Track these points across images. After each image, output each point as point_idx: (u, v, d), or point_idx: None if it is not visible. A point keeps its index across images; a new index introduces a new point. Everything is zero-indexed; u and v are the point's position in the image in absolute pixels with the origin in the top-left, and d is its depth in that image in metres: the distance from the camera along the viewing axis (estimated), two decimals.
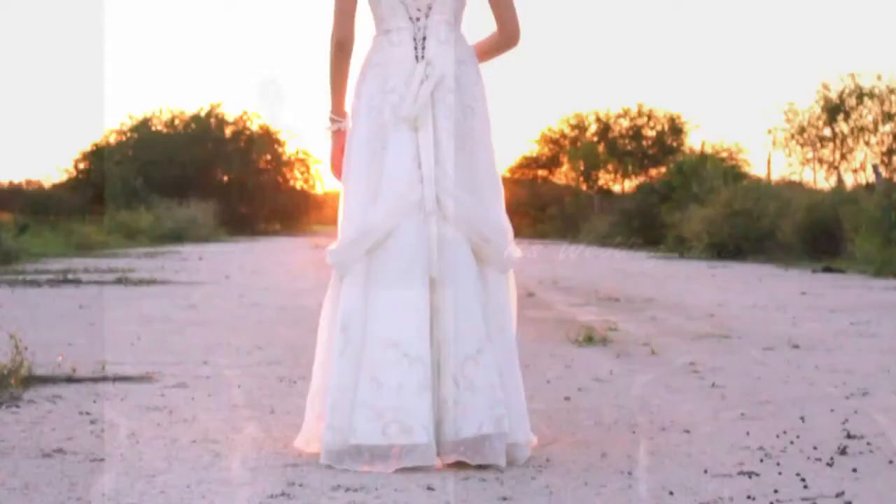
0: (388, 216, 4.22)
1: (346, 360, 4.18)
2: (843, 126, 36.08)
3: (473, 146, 4.33)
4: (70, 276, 15.29)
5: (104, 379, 6.39)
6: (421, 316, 4.17)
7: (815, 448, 4.68)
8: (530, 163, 60.17)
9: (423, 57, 4.30)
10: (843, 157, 36.34)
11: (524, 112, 78.49)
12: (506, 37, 4.48)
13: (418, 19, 4.31)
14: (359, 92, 4.39)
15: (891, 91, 35.44)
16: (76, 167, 46.08)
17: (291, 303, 11.74)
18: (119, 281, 14.86)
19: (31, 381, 6.12)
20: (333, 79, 4.44)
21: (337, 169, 4.50)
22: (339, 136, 4.51)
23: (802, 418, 5.35)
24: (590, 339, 8.51)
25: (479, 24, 4.58)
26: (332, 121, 4.52)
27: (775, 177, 34.76)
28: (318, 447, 4.28)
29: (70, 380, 6.30)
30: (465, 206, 4.27)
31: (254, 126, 50.89)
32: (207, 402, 5.71)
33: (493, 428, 4.12)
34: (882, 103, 35.55)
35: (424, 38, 4.31)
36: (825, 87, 36.16)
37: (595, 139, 57.40)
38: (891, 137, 35.66)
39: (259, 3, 74.05)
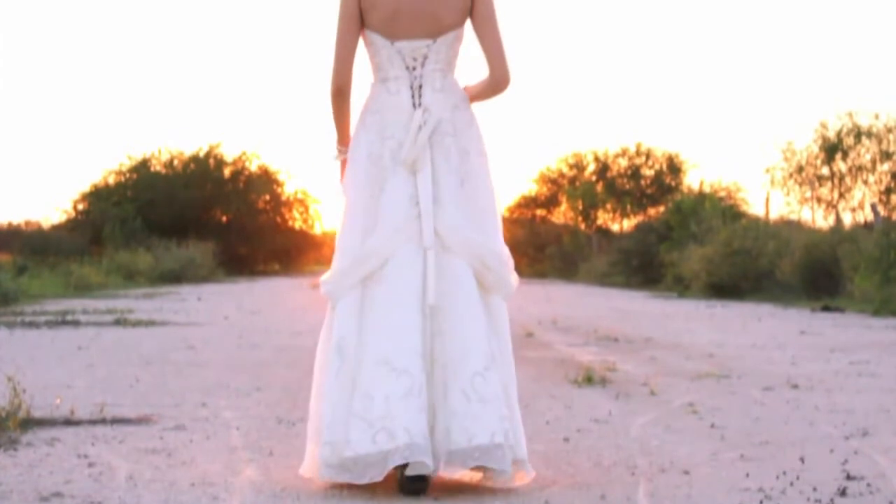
0: (383, 247, 4.43)
1: (341, 379, 4.36)
2: (841, 165, 36.17)
3: (473, 184, 4.55)
4: (69, 318, 15.28)
5: (102, 421, 6.38)
6: (411, 335, 4.34)
7: (814, 489, 4.67)
8: (529, 202, 60.27)
9: (419, 104, 4.52)
10: (841, 195, 36.41)
11: (523, 151, 78.65)
12: (496, 82, 4.64)
13: (414, 68, 4.53)
14: (358, 138, 4.59)
15: (888, 130, 35.55)
16: (75, 208, 46.08)
17: (290, 343, 11.73)
18: (118, 322, 14.85)
19: (30, 423, 6.11)
20: (335, 119, 4.69)
21: None
22: (346, 164, 4.71)
23: (802, 459, 5.34)
24: (589, 380, 8.50)
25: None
26: (339, 151, 4.72)
27: (774, 216, 34.81)
28: (315, 468, 4.47)
29: (68, 422, 6.29)
30: (467, 236, 4.47)
31: (253, 166, 50.95)
32: (206, 445, 5.70)
33: (503, 438, 4.30)
34: (880, 142, 35.65)
35: (420, 87, 4.53)
36: (823, 126, 36.29)
37: (594, 178, 57.53)
38: (889, 176, 35.74)
39: (257, 44, 74.33)
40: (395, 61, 4.53)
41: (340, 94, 4.60)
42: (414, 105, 4.52)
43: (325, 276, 4.54)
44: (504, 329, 4.58)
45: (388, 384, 4.26)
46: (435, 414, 4.36)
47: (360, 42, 4.63)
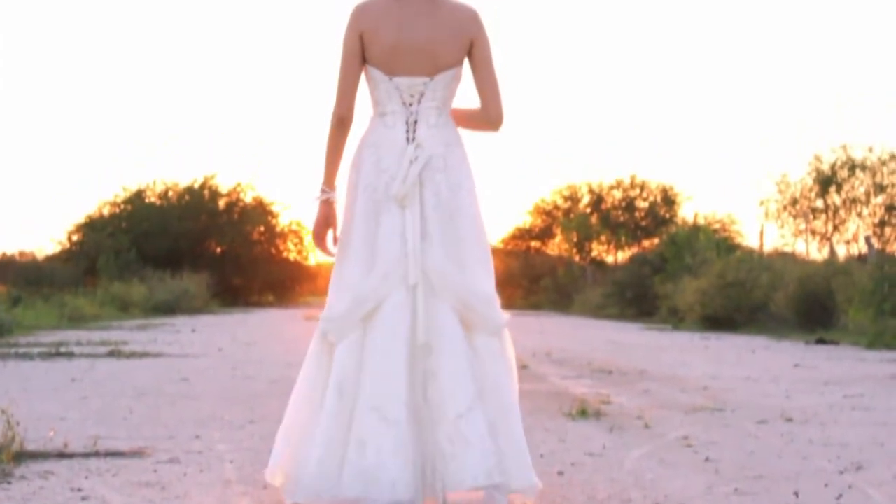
0: (377, 290, 4.51)
1: (338, 421, 4.46)
2: (835, 197, 36.27)
3: (461, 221, 4.63)
4: (62, 349, 15.25)
5: (96, 454, 6.36)
6: (400, 381, 4.43)
7: None
8: (523, 234, 60.37)
9: (413, 139, 4.63)
10: (835, 228, 36.49)
11: (517, 183, 78.73)
12: (489, 122, 4.78)
13: (411, 104, 4.65)
14: (357, 169, 4.70)
15: (882, 163, 35.67)
16: (69, 239, 46.10)
17: (284, 375, 11.71)
18: (112, 353, 14.83)
19: (23, 456, 6.09)
20: (329, 152, 4.73)
21: (319, 238, 4.79)
22: (325, 206, 4.77)
23: (796, 493, 5.34)
24: (583, 413, 8.49)
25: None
26: (322, 191, 4.76)
27: (768, 248, 34.86)
28: (284, 481, 4.63)
29: (62, 455, 6.28)
30: (450, 277, 4.55)
31: (247, 198, 51.01)
32: (200, 478, 5.68)
33: (485, 480, 4.38)
34: (874, 175, 35.76)
35: (416, 122, 4.65)
36: (817, 158, 36.43)
37: (588, 210, 57.64)
38: (883, 209, 35.83)
39: (252, 76, 74.45)
40: (392, 96, 4.65)
41: (342, 124, 4.69)
42: (408, 140, 4.63)
43: (325, 315, 4.61)
44: (497, 364, 4.62)
45: (379, 434, 4.38)
46: (424, 456, 4.46)
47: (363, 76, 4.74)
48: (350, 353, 4.52)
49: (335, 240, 4.77)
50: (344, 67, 4.66)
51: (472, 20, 4.66)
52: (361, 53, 4.65)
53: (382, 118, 4.68)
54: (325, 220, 4.76)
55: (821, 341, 19.70)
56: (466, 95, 4.79)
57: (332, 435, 4.45)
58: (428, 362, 4.50)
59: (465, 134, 4.84)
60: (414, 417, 4.45)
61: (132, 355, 14.66)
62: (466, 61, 4.72)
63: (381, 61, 4.63)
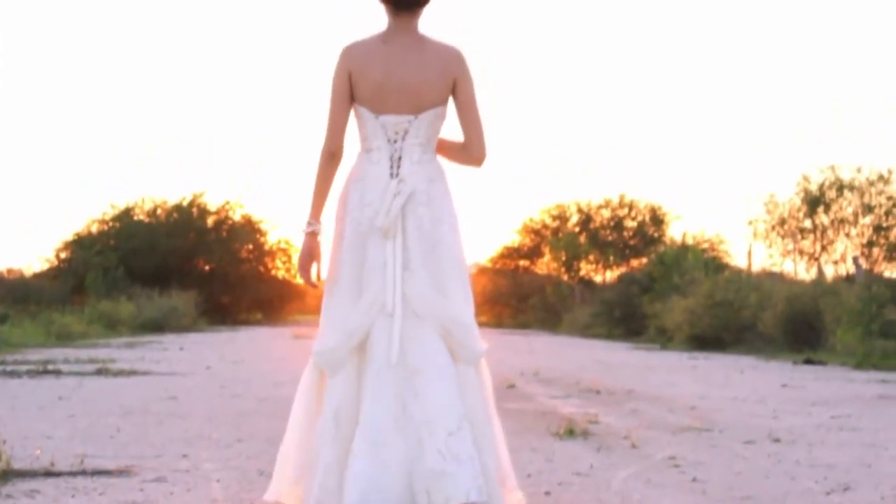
0: (362, 323, 4.67)
1: (337, 445, 4.59)
2: (823, 218, 36.33)
3: (442, 253, 4.78)
4: (50, 367, 15.22)
5: (83, 473, 6.35)
6: (385, 408, 4.58)
7: None
8: (512, 253, 60.39)
9: (397, 175, 4.79)
10: (823, 248, 36.54)
11: (506, 202, 78.79)
12: (471, 158, 4.93)
13: (395, 141, 4.81)
14: (344, 202, 4.85)
15: (870, 183, 35.74)
16: (57, 256, 46.04)
17: (272, 394, 11.70)
18: (99, 372, 14.80)
19: (9, 475, 6.07)
20: (318, 185, 4.87)
21: (303, 269, 4.91)
22: (311, 239, 4.91)
23: None
24: (571, 432, 8.49)
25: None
26: (308, 224, 4.89)
27: (756, 268, 34.93)
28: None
29: (48, 474, 6.26)
30: (433, 303, 4.70)
31: (236, 216, 51.00)
32: (187, 497, 5.67)
33: (476, 496, 4.47)
34: (862, 195, 35.83)
35: (400, 158, 4.81)
36: (806, 178, 36.48)
37: (577, 230, 57.69)
38: (871, 229, 35.89)
39: (240, 95, 74.49)
40: (378, 133, 4.80)
41: (332, 159, 4.84)
42: (391, 175, 4.78)
43: (317, 348, 4.73)
44: (474, 389, 4.74)
45: (373, 464, 4.51)
46: (413, 475, 4.54)
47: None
48: (346, 381, 4.67)
49: (318, 272, 4.90)
50: (333, 105, 4.81)
51: (456, 61, 4.81)
52: (350, 92, 4.80)
53: (368, 154, 4.83)
54: (310, 252, 4.88)
55: (808, 361, 19.73)
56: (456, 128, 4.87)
57: (331, 461, 4.59)
58: (412, 384, 4.60)
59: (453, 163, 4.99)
60: (401, 437, 4.55)
61: (120, 373, 14.63)
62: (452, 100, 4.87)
63: (369, 100, 4.78)
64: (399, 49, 4.77)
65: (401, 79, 4.75)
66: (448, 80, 4.78)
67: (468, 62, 4.83)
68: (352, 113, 4.85)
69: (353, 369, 4.67)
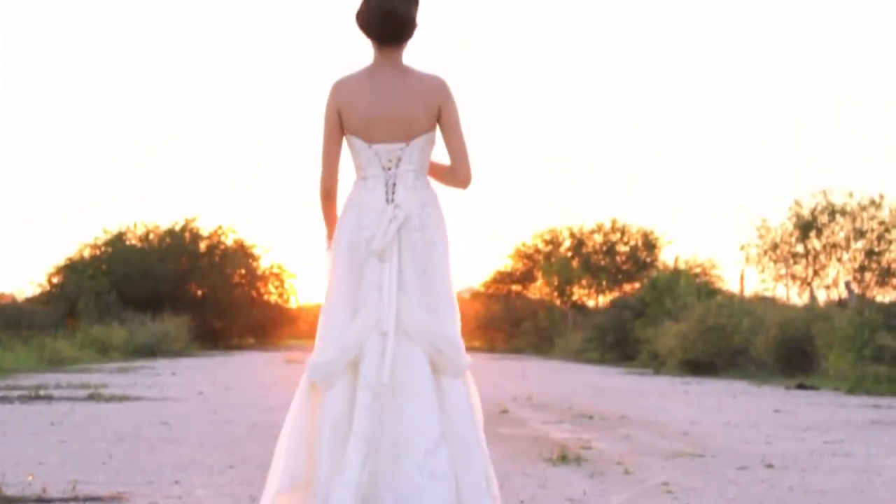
0: (358, 336, 4.88)
1: (335, 455, 4.77)
2: (815, 243, 36.38)
3: (434, 275, 5.02)
4: (42, 392, 15.19)
5: (74, 499, 6.34)
6: (372, 422, 4.78)
7: None
8: (504, 277, 60.35)
9: (392, 200, 5.03)
10: (815, 273, 36.58)
11: (498, 227, 78.85)
12: (458, 182, 5.16)
13: (389, 168, 5.06)
14: (340, 228, 5.08)
15: (862, 208, 35.80)
16: (49, 281, 45.93)
17: (264, 419, 11.68)
18: (91, 397, 14.77)
19: (1, 501, 6.06)
20: (325, 217, 5.21)
21: None
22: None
23: None
24: (563, 458, 8.49)
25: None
26: (329, 245, 5.18)
27: (748, 293, 34.93)
28: None
29: (40, 500, 6.25)
30: (424, 324, 4.92)
31: (228, 240, 50.96)
32: None
33: None
34: (854, 220, 35.88)
35: (394, 185, 5.06)
36: (798, 203, 36.54)
37: (569, 254, 57.67)
38: (863, 254, 35.94)
39: (233, 119, 74.56)
40: (372, 162, 5.04)
41: (328, 196, 5.14)
42: (387, 200, 5.03)
43: (312, 362, 4.92)
44: (459, 407, 4.92)
45: (361, 473, 4.69)
46: (378, 486, 4.72)
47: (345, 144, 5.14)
48: (341, 395, 4.85)
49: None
50: (325, 141, 5.09)
51: (440, 89, 5.04)
52: (341, 127, 5.07)
53: (364, 181, 5.06)
54: None
55: (801, 386, 19.74)
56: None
57: (330, 466, 4.77)
58: (392, 400, 4.81)
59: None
60: (394, 449, 4.77)
61: (112, 398, 14.61)
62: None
63: (360, 131, 5.03)
64: (384, 81, 5.02)
65: (387, 110, 5.00)
66: (433, 108, 5.02)
67: (452, 90, 5.05)
68: (345, 143, 5.08)
69: (348, 382, 4.85)
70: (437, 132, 5.09)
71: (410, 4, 5.02)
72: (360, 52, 5.14)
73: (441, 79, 5.07)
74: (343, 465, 4.70)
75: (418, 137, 5.04)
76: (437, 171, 5.17)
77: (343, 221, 5.08)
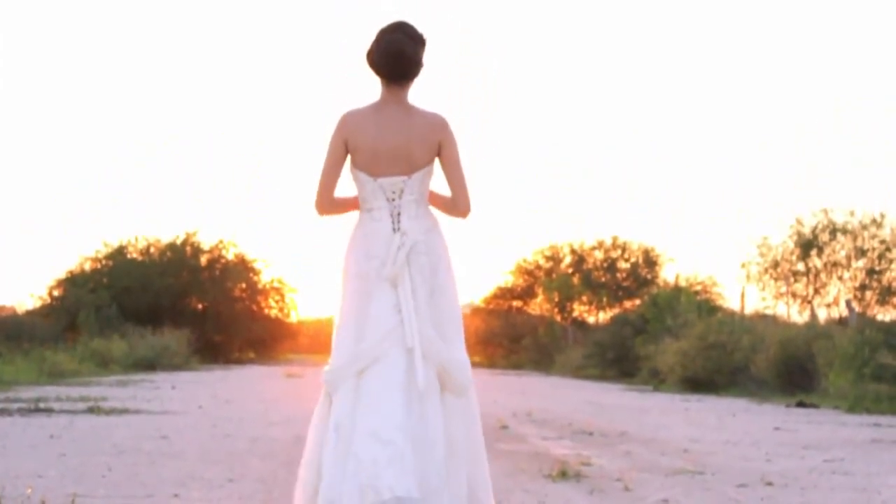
0: (372, 349, 5.18)
1: (337, 452, 5.05)
2: (816, 261, 36.37)
3: (441, 298, 5.34)
4: (41, 405, 15.19)
5: None
6: (396, 414, 5.03)
7: None
8: (505, 293, 60.34)
9: (398, 229, 5.36)
10: (816, 291, 36.58)
11: (499, 243, 78.86)
12: (457, 212, 5.48)
13: (393, 199, 5.39)
14: (348, 258, 5.40)
15: (863, 227, 35.82)
16: (50, 294, 45.94)
17: (264, 434, 11.67)
18: (91, 410, 14.77)
19: None
20: (341, 212, 5.51)
21: None
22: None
23: None
24: (563, 475, 8.48)
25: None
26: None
27: (749, 310, 34.90)
28: None
29: None
30: (435, 345, 5.22)
31: (229, 254, 50.97)
32: None
33: None
34: (855, 239, 35.90)
35: (399, 214, 5.39)
36: (799, 222, 36.55)
37: (570, 271, 57.69)
38: (863, 272, 35.94)
39: (234, 133, 74.62)
40: (377, 194, 5.37)
41: (325, 214, 5.47)
42: (394, 230, 5.35)
43: (326, 369, 5.24)
44: (460, 423, 5.21)
45: (375, 451, 4.95)
46: (423, 477, 4.98)
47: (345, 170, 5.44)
48: (346, 398, 5.12)
49: None
50: (326, 164, 5.41)
51: (440, 127, 5.37)
52: (343, 156, 5.39)
53: (370, 213, 5.39)
54: None
55: (801, 404, 19.72)
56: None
57: (332, 464, 5.03)
58: (423, 407, 5.10)
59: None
60: (411, 445, 5.00)
61: (111, 412, 14.60)
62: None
63: (365, 165, 5.34)
64: (390, 116, 5.35)
65: (391, 145, 5.32)
66: (433, 144, 5.35)
67: (452, 128, 5.37)
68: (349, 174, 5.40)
69: (351, 386, 5.13)
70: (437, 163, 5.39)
71: (417, 47, 5.36)
72: (367, 84, 5.48)
73: (442, 117, 5.40)
74: (354, 459, 4.93)
75: (419, 170, 5.36)
76: (439, 202, 5.48)
77: (351, 252, 5.41)
